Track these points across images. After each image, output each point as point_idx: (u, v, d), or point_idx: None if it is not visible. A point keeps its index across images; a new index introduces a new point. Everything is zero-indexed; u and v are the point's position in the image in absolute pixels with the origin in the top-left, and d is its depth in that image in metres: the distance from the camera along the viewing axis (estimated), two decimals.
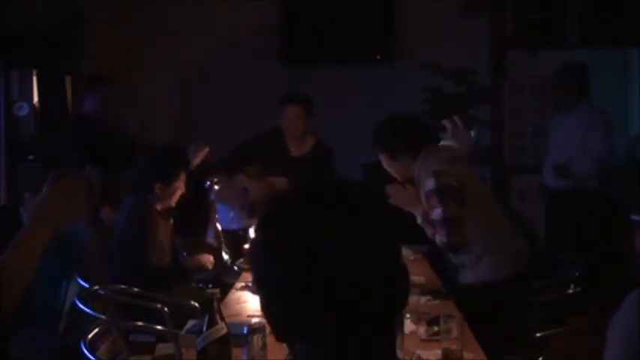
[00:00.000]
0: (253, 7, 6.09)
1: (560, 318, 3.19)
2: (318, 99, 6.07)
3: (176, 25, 6.12)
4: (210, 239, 4.30)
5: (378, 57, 6.10)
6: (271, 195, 1.09)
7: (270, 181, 4.38)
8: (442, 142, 3.86)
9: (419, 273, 3.64)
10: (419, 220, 3.21)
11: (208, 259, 3.87)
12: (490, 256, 3.12)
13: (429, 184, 3.10)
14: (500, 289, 3.09)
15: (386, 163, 3.31)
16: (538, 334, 2.91)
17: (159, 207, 3.77)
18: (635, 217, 1.95)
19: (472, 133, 3.75)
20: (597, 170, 4.79)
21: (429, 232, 3.19)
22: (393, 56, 6.07)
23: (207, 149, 4.26)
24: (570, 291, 3.28)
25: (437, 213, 3.09)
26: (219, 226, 4.35)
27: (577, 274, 3.41)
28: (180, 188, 3.79)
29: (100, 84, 5.02)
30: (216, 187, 4.24)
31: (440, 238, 3.12)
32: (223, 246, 4.24)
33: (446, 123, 3.73)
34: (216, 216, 4.54)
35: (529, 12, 5.98)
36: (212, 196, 4.27)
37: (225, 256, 4.16)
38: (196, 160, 4.21)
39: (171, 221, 3.93)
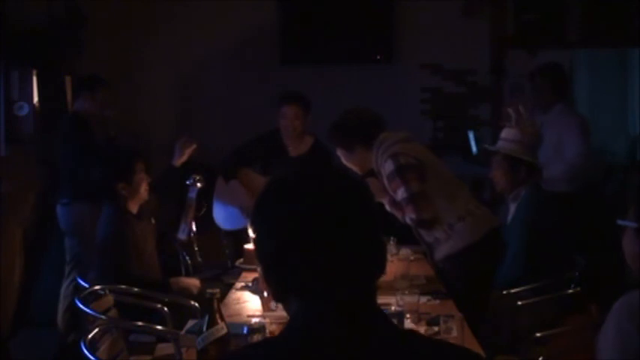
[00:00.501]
0: (253, 7, 6.09)
1: (560, 318, 3.18)
2: (318, 99, 6.07)
3: (176, 25, 6.13)
4: (182, 236, 4.26)
5: (378, 57, 6.10)
6: (269, 179, 1.25)
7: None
8: (505, 129, 3.89)
9: (419, 273, 3.64)
10: (388, 208, 3.26)
11: (194, 284, 3.79)
12: (461, 221, 3.19)
13: (389, 166, 3.17)
14: (477, 249, 3.16)
15: (345, 157, 3.40)
16: (538, 334, 2.91)
17: (134, 208, 3.73)
18: (622, 222, 1.95)
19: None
20: (570, 174, 4.62)
21: (399, 216, 3.24)
22: (393, 56, 6.07)
23: (194, 146, 4.20)
24: (570, 291, 3.28)
25: (401, 192, 3.14)
26: (194, 226, 4.30)
27: (577, 274, 3.41)
28: (143, 179, 3.74)
29: (99, 84, 5.02)
30: (198, 184, 4.20)
31: (410, 217, 3.16)
32: (195, 245, 4.22)
33: (510, 111, 3.75)
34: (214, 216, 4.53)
35: (529, 12, 5.98)
36: (192, 194, 4.21)
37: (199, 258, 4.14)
38: (183, 157, 4.14)
39: (153, 221, 3.90)
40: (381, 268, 1.23)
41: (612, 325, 1.75)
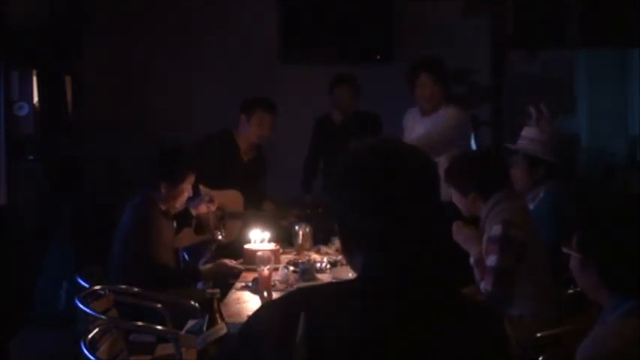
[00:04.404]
0: (253, 7, 6.10)
1: (560, 319, 3.18)
2: (318, 99, 6.07)
3: (176, 25, 6.13)
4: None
5: (378, 57, 6.10)
6: (346, 151, 1.44)
7: (220, 200, 4.23)
8: (526, 128, 3.85)
9: None
10: (471, 261, 3.17)
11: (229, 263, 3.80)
12: (531, 317, 3.06)
13: (496, 230, 3.04)
14: (528, 350, 3.04)
15: (455, 198, 3.27)
16: (538, 334, 2.91)
17: (163, 207, 3.75)
18: (566, 250, 1.96)
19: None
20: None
21: (477, 275, 3.14)
22: (393, 56, 6.07)
23: (214, 206, 4.11)
24: (570, 291, 3.27)
25: (492, 260, 3.03)
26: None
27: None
28: (186, 191, 3.75)
29: (340, 82, 5.22)
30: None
31: (485, 287, 3.06)
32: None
33: (531, 109, 3.70)
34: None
35: (529, 12, 5.98)
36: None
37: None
38: (198, 210, 4.05)
39: (174, 225, 3.90)
40: (434, 241, 1.41)
41: None
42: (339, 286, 1.48)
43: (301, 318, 1.28)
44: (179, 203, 3.76)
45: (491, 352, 1.32)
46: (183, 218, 3.94)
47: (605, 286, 1.86)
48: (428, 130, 4.32)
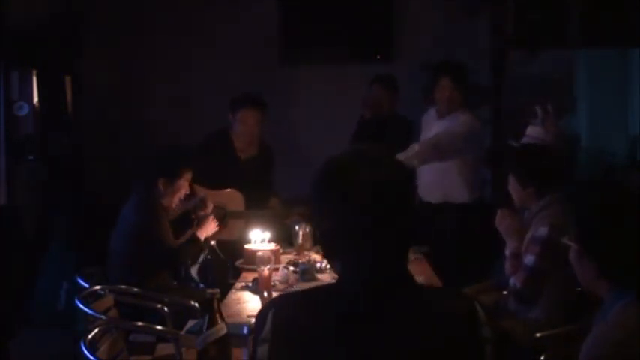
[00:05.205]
0: (253, 7, 6.10)
1: (561, 318, 3.18)
2: (318, 99, 6.08)
3: (176, 25, 6.13)
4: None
5: (378, 57, 6.10)
6: (329, 157, 1.47)
7: (218, 199, 4.25)
8: (530, 127, 3.85)
9: (419, 273, 3.63)
10: (506, 252, 3.20)
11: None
12: (547, 322, 3.08)
13: (543, 231, 3.05)
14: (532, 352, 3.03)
15: (512, 186, 3.30)
16: (538, 334, 2.91)
17: (163, 202, 3.76)
18: (565, 242, 1.96)
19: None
20: (421, 153, 4.30)
21: (508, 268, 3.17)
22: (393, 56, 6.08)
23: (210, 209, 4.11)
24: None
25: (529, 260, 3.06)
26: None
27: None
28: (184, 188, 3.76)
29: (376, 80, 5.14)
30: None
31: (514, 282, 3.09)
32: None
33: (538, 109, 3.71)
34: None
35: (529, 12, 5.98)
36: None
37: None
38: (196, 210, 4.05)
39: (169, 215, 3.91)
40: (411, 238, 1.45)
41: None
42: (320, 288, 1.53)
43: (269, 316, 1.37)
44: (176, 200, 3.78)
45: (463, 342, 1.36)
46: (185, 220, 3.95)
47: (604, 278, 1.86)
48: (437, 133, 4.37)
